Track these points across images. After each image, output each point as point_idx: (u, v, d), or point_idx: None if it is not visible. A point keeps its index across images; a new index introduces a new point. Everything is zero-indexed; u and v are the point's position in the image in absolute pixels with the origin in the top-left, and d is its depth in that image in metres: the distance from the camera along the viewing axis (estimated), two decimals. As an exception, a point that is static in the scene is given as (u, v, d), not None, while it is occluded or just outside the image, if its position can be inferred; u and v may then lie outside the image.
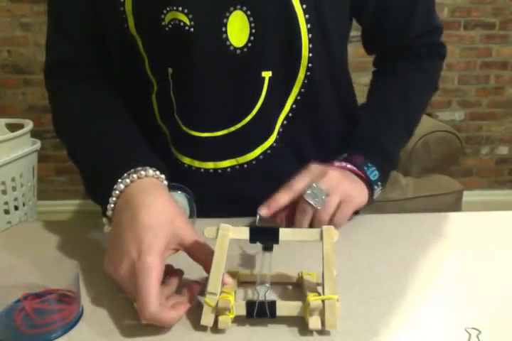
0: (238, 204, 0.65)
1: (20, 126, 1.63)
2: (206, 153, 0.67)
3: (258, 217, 0.58)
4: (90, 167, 0.58)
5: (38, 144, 1.66)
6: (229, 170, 0.67)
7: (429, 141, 1.77)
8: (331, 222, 0.59)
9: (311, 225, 0.60)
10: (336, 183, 0.60)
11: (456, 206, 1.79)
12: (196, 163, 0.67)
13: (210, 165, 0.67)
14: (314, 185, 0.58)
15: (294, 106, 0.67)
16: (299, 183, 0.60)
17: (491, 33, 2.40)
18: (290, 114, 0.67)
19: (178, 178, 0.61)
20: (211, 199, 0.68)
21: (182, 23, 0.59)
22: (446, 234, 0.64)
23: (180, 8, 0.58)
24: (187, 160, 0.67)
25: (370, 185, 0.65)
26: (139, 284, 0.42)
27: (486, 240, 0.62)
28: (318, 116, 0.69)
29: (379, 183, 0.66)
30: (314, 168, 0.61)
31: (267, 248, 0.47)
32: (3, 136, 1.53)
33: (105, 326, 0.44)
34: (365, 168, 0.65)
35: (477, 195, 2.57)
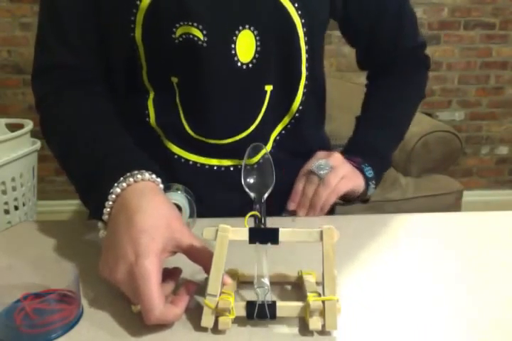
0: (238, 193, 0.65)
1: (20, 126, 1.63)
2: (211, 154, 0.70)
3: (287, 212, 0.70)
4: (84, 172, 0.57)
5: (38, 144, 1.66)
6: (232, 168, 0.70)
7: (429, 141, 1.77)
8: (329, 194, 0.68)
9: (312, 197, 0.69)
10: (340, 162, 0.70)
11: (456, 206, 1.79)
12: (202, 160, 0.70)
13: (214, 161, 0.70)
14: (321, 161, 0.69)
15: (292, 121, 0.72)
16: (308, 166, 0.70)
17: (491, 33, 2.40)
18: (289, 126, 0.73)
19: (175, 173, 0.67)
20: (212, 189, 0.71)
21: (195, 38, 0.61)
22: (446, 234, 0.64)
23: (195, 24, 0.61)
24: (193, 157, 0.70)
25: (365, 181, 0.72)
26: (140, 289, 0.42)
27: (486, 240, 0.62)
28: (307, 129, 0.75)
29: (373, 181, 0.74)
30: (320, 153, 0.72)
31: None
32: (3, 136, 1.52)
33: (105, 326, 0.44)
34: (363, 166, 0.73)
35: (477, 195, 2.57)
